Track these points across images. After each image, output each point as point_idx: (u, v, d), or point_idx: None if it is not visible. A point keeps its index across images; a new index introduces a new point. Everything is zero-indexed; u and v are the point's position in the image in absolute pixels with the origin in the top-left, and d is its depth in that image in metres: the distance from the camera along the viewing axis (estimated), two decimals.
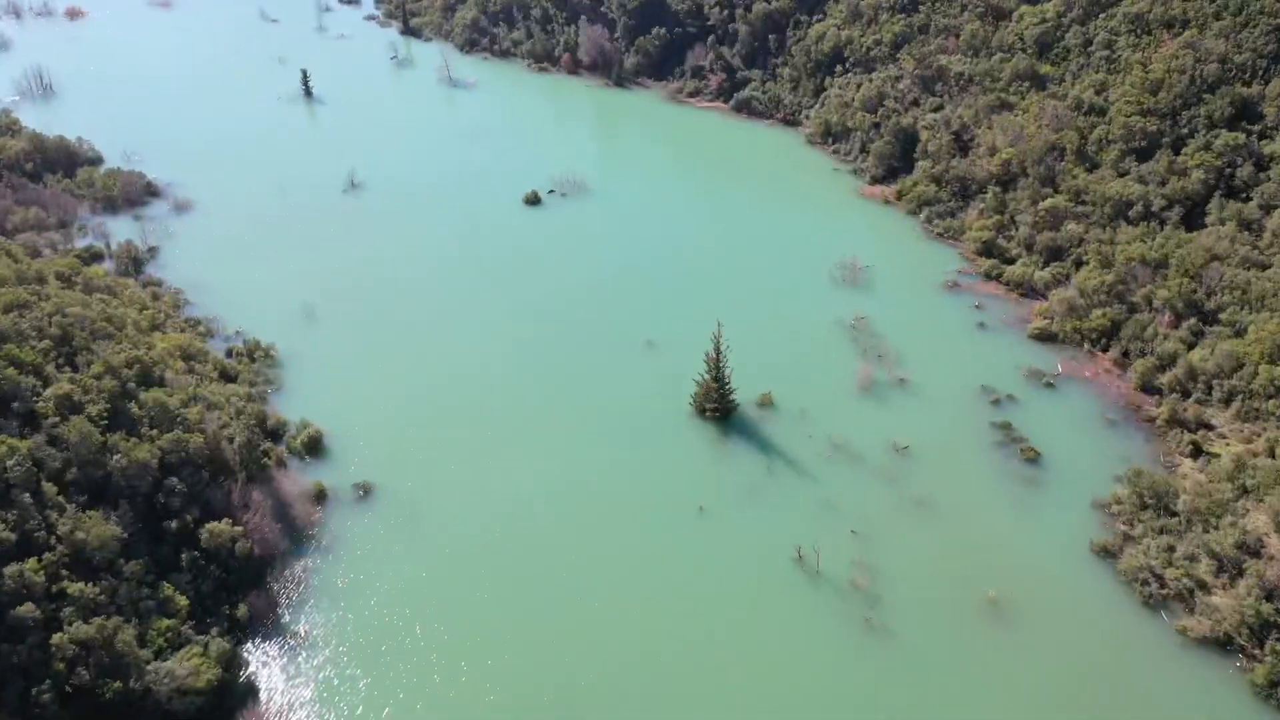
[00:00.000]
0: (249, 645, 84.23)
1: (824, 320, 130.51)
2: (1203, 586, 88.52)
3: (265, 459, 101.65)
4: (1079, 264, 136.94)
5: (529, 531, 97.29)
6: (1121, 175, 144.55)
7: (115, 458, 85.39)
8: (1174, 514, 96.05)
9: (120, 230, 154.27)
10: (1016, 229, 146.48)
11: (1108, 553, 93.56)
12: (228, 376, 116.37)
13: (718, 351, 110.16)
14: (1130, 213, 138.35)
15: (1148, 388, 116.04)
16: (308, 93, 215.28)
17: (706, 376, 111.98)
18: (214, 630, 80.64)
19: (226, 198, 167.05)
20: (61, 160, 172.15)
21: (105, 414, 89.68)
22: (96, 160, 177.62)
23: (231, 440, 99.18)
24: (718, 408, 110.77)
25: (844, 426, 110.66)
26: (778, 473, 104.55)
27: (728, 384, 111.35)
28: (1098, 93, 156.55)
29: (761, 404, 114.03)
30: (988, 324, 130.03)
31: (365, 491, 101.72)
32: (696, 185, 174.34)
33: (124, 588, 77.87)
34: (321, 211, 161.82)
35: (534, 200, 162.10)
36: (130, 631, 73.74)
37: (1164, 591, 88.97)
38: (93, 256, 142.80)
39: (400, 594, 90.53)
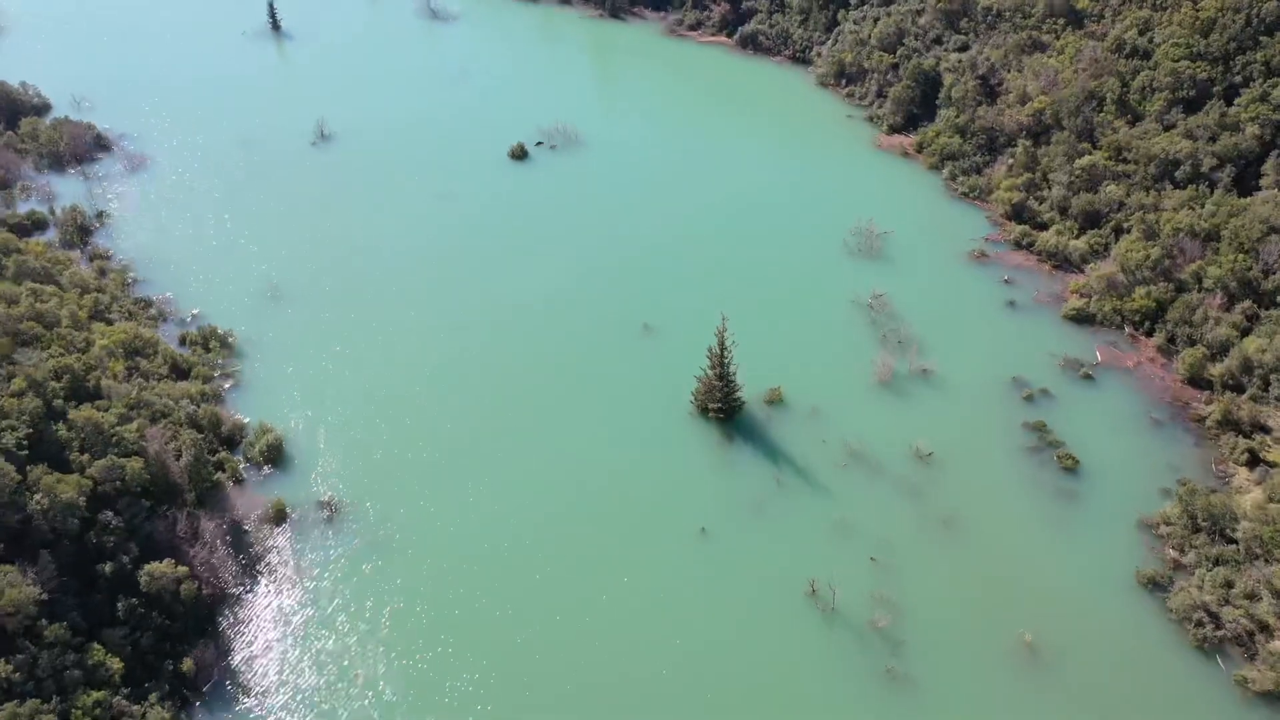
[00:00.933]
0: (196, 708, 75.22)
1: (839, 299, 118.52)
2: (1265, 630, 79.03)
3: (218, 474, 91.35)
4: (1119, 231, 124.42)
5: (512, 562, 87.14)
6: (1167, 129, 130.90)
7: (36, 498, 74.91)
8: (1231, 540, 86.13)
9: (67, 191, 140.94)
10: (1049, 189, 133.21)
11: (1156, 585, 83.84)
12: (180, 371, 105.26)
13: (722, 348, 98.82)
14: (1177, 173, 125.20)
15: (1197, 381, 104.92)
16: (275, 26, 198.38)
17: (709, 372, 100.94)
18: (153, 696, 71.18)
19: (184, 152, 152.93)
20: (3, 108, 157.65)
21: (25, 442, 78.86)
22: (43, 109, 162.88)
23: (179, 456, 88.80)
24: (722, 408, 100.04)
25: (861, 427, 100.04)
26: (788, 485, 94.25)
27: (733, 382, 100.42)
28: (1141, 33, 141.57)
29: (770, 401, 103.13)
30: (1018, 302, 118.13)
31: (331, 510, 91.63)
32: (697, 136, 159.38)
33: (45, 657, 68.20)
34: (288, 168, 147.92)
35: (520, 154, 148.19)
36: (49, 718, 64.29)
37: (1220, 634, 79.39)
38: (34, 225, 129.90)
39: (368, 634, 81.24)
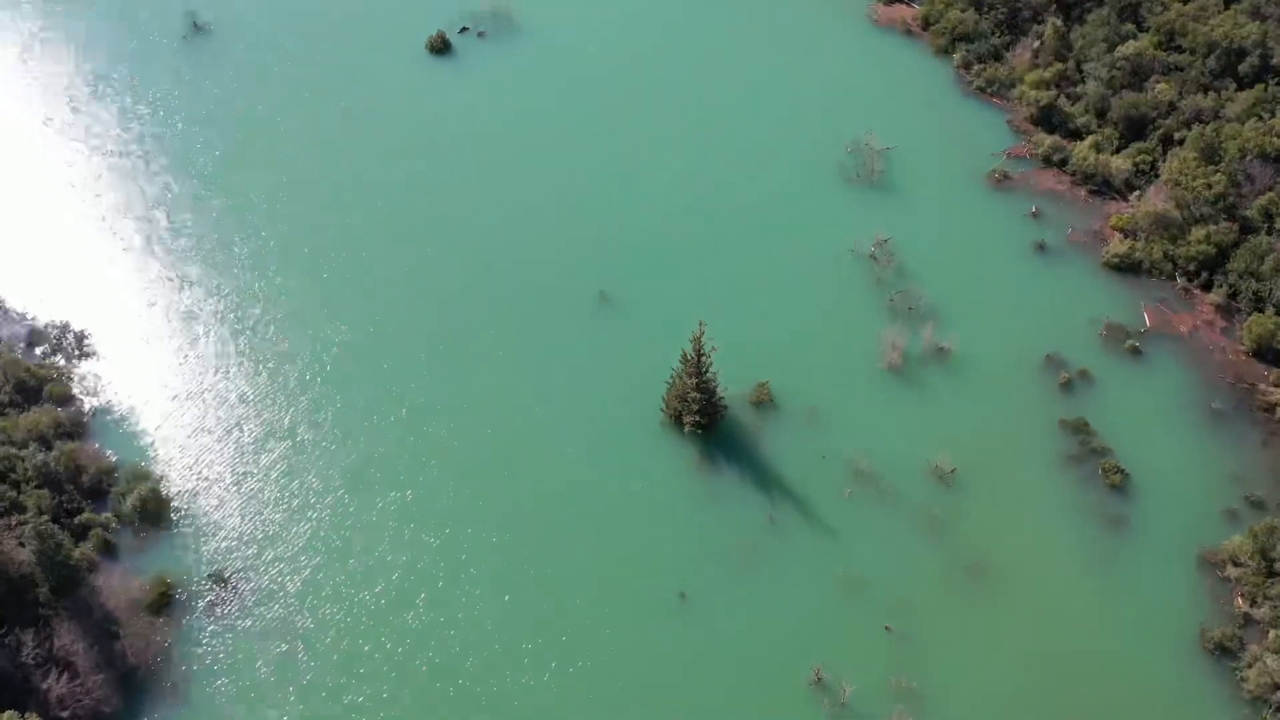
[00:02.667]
0: None
1: (835, 248, 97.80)
2: None
3: (80, 549, 73.21)
4: (1167, 142, 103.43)
5: (445, 652, 71.16)
6: (1230, 5, 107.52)
7: None
8: None
9: None
10: (1084, 84, 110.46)
11: (1225, 651, 70.59)
12: (28, 392, 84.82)
13: (699, 355, 79.73)
14: (1242, 66, 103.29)
15: (1264, 353, 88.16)
16: None
17: (684, 379, 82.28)
18: None
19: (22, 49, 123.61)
20: None
21: None
22: None
23: (24, 543, 70.48)
24: (700, 421, 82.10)
25: (868, 435, 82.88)
26: (784, 525, 77.84)
27: (714, 390, 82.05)
28: None
29: (757, 401, 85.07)
30: (1049, 244, 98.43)
31: (225, 587, 74.58)
32: (657, 12, 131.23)
33: None
34: (152, 73, 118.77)
35: (441, 47, 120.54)
36: None
37: None
38: None
39: None
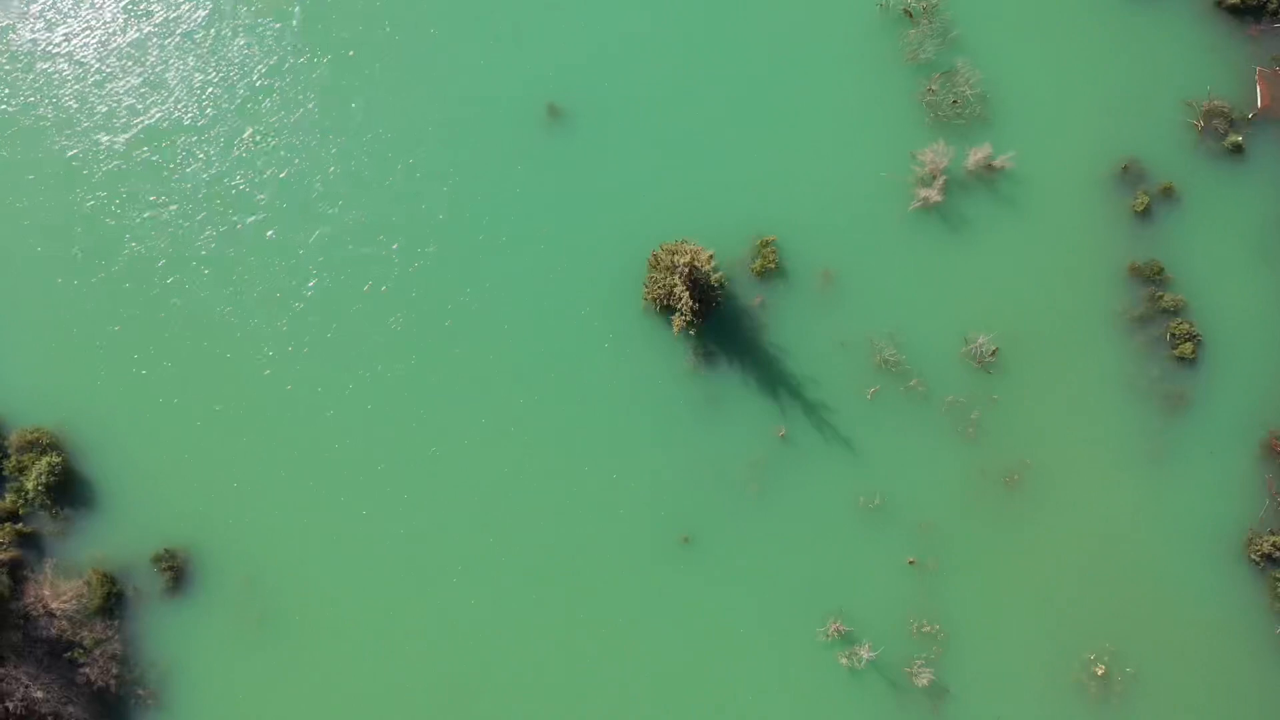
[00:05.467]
0: None
1: (855, 2, 71.95)
2: None
3: None
4: None
5: (426, 606, 65.31)
6: None
7: None
8: None
9: None
10: None
11: (1273, 561, 65.07)
12: None
13: (690, 270, 61.49)
14: None
15: None
16: None
17: (675, 281, 64.78)
18: None
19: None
20: None
21: None
22: None
23: None
24: (691, 321, 66.15)
25: (895, 308, 67.98)
26: (795, 439, 67.06)
27: (716, 293, 64.95)
28: None
29: (761, 269, 68.25)
30: None
31: (176, 569, 66.21)
32: None
33: None
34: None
35: None
36: None
37: None
38: None
39: None
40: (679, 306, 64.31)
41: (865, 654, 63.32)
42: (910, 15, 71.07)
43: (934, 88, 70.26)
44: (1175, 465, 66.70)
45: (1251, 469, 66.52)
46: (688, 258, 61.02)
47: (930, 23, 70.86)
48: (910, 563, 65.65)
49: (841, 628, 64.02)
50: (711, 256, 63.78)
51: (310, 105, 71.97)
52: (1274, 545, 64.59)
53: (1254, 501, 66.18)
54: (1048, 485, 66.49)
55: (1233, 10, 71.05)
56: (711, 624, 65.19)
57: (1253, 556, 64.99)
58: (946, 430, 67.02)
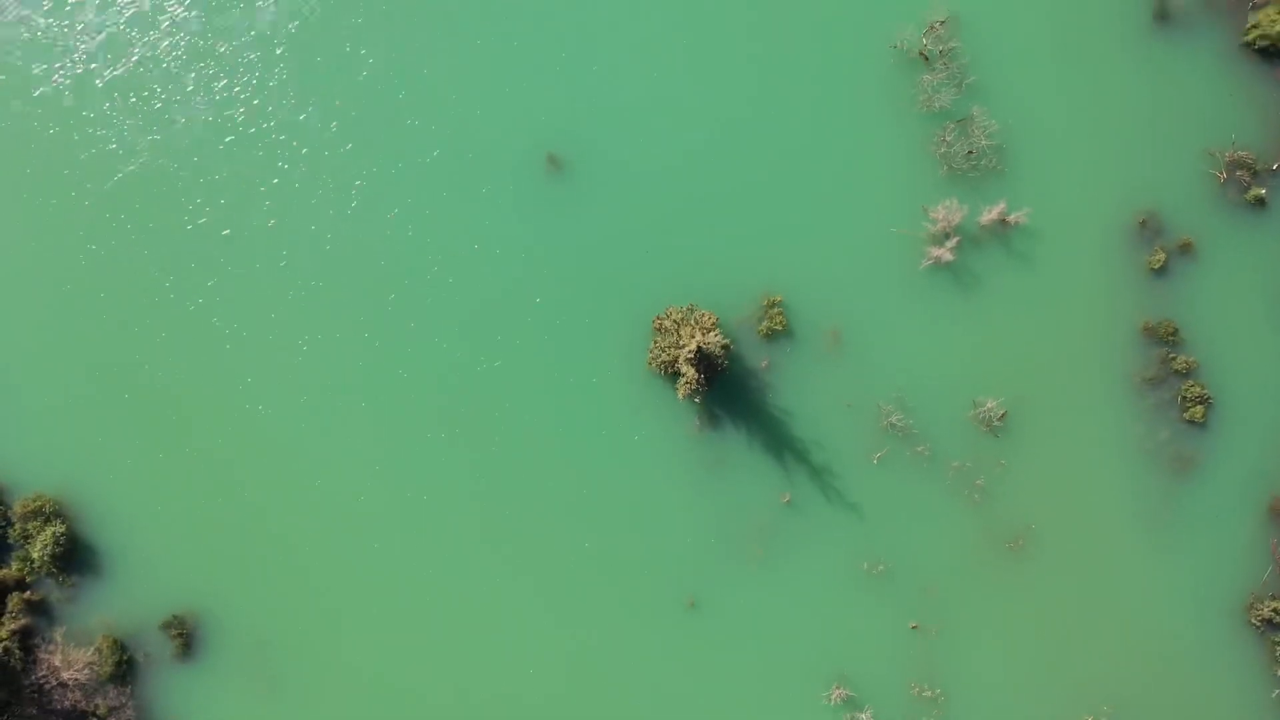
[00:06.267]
0: None
1: (868, 40, 68.01)
2: None
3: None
4: None
5: (437, 671, 66.12)
6: None
7: None
8: None
9: None
10: None
11: (1274, 626, 65.45)
12: None
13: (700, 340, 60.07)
14: None
15: None
16: None
17: (667, 345, 63.45)
18: None
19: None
20: None
21: None
22: None
23: None
24: (696, 389, 64.63)
25: (903, 369, 66.79)
26: (801, 503, 66.74)
27: (721, 361, 63.54)
28: None
29: (768, 331, 66.74)
30: (1174, 8, 67.92)
31: (186, 635, 66.62)
32: None
33: None
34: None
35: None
36: None
37: None
38: None
39: None
40: (684, 379, 63.25)
41: (867, 719, 64.45)
42: (925, 58, 67.93)
43: (948, 137, 67.57)
44: (1180, 528, 66.57)
45: (1256, 532, 66.40)
46: (694, 344, 59.71)
47: (946, 67, 67.74)
48: (913, 627, 66.25)
49: (845, 693, 64.98)
50: (719, 331, 62.49)
51: (303, 151, 69.53)
52: (1275, 610, 64.98)
53: (1257, 565, 66.30)
54: (1051, 549, 66.55)
55: (1262, 53, 67.87)
56: (716, 687, 66.13)
57: (1253, 621, 65.45)
58: (952, 495, 66.70)
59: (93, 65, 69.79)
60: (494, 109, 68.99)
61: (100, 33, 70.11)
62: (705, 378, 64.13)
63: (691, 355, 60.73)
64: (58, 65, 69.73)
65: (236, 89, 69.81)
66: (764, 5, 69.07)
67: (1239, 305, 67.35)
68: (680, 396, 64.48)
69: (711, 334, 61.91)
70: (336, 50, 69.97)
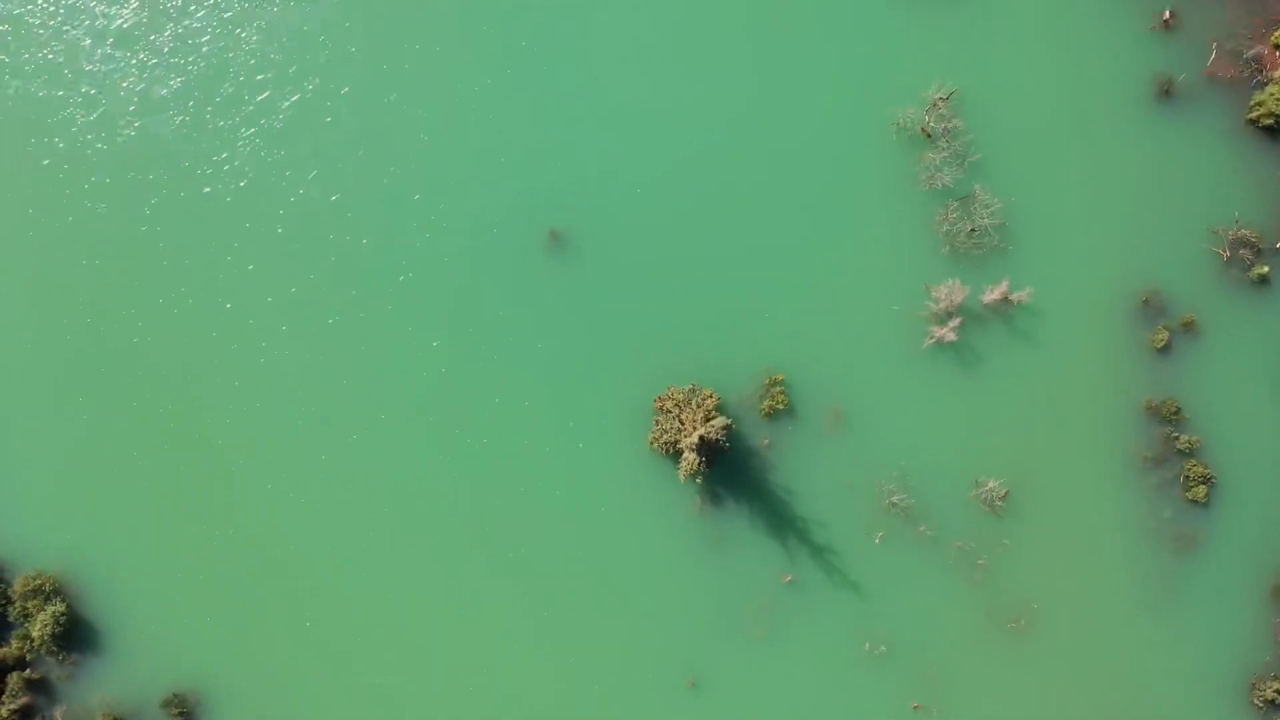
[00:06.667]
0: None
1: (870, 116, 68.00)
2: None
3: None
4: None
5: None
6: None
7: None
8: None
9: None
10: None
11: (1276, 707, 65.37)
12: None
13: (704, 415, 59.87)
14: None
15: None
16: None
17: (670, 424, 63.30)
18: None
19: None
20: None
21: None
22: None
23: None
24: (698, 471, 64.35)
25: (905, 449, 66.63)
26: (802, 582, 66.57)
27: (723, 443, 63.32)
28: None
29: (769, 410, 66.57)
30: (1179, 84, 67.79)
31: (186, 714, 66.14)
32: None
33: None
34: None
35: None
36: None
37: None
38: None
39: None
40: (685, 464, 63.07)
41: None
42: (928, 136, 67.75)
43: (951, 215, 67.44)
44: (1182, 608, 66.43)
45: (1259, 613, 66.29)
46: (695, 436, 59.60)
47: (949, 144, 67.58)
48: (916, 708, 66.12)
49: None
50: (721, 415, 62.42)
51: (305, 221, 69.38)
52: (1278, 691, 64.94)
53: (1259, 645, 66.17)
54: (1053, 628, 66.40)
55: (1266, 130, 67.65)
56: None
57: (1256, 702, 65.34)
58: (954, 575, 66.54)
59: None
60: (496, 184, 68.88)
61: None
62: (707, 459, 64.11)
63: (694, 443, 60.59)
64: None
65: (237, 162, 69.78)
66: (767, 84, 69.04)
67: (1243, 384, 67.26)
68: (682, 479, 64.41)
69: (714, 421, 61.79)
70: (338, 123, 69.97)
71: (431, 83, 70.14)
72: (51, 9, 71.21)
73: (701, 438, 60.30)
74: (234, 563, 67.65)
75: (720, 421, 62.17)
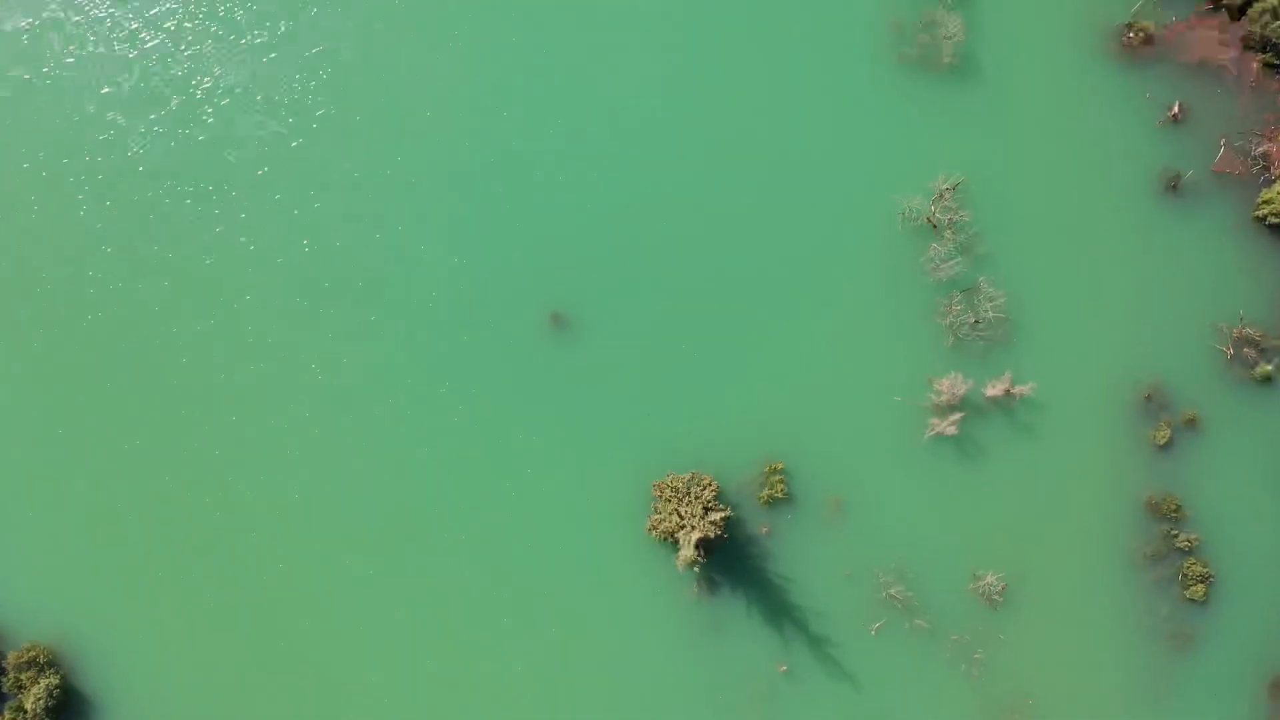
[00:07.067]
0: None
1: (874, 207, 67.98)
2: None
3: None
4: None
5: None
6: None
7: None
8: None
9: None
10: None
11: None
12: None
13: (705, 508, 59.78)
14: None
15: None
16: None
17: (670, 513, 63.17)
18: None
19: None
20: None
21: None
22: None
23: None
24: (697, 559, 64.25)
25: (904, 540, 66.42)
26: (800, 670, 66.26)
27: (721, 533, 63.19)
28: None
29: (768, 498, 66.45)
30: (1185, 179, 67.72)
31: None
32: None
33: None
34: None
35: None
36: None
37: None
38: None
39: None
40: (683, 555, 62.90)
41: None
42: (934, 227, 67.64)
43: (955, 307, 67.32)
44: (1178, 706, 66.25)
45: (1255, 711, 66.19)
46: (697, 534, 59.56)
47: (954, 236, 67.47)
48: None
49: None
50: (720, 507, 62.41)
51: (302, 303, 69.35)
52: None
53: None
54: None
55: (1273, 229, 67.51)
56: None
57: None
58: (950, 668, 66.29)
59: None
60: (500, 266, 68.76)
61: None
62: (704, 549, 63.95)
63: (694, 539, 60.51)
64: None
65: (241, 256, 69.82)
66: (774, 171, 68.98)
67: (1243, 483, 67.12)
68: (679, 567, 64.24)
69: (712, 516, 61.71)
70: (336, 203, 69.95)
71: (438, 160, 70.14)
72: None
73: (701, 536, 60.24)
74: (230, 637, 67.37)
75: (718, 515, 62.13)
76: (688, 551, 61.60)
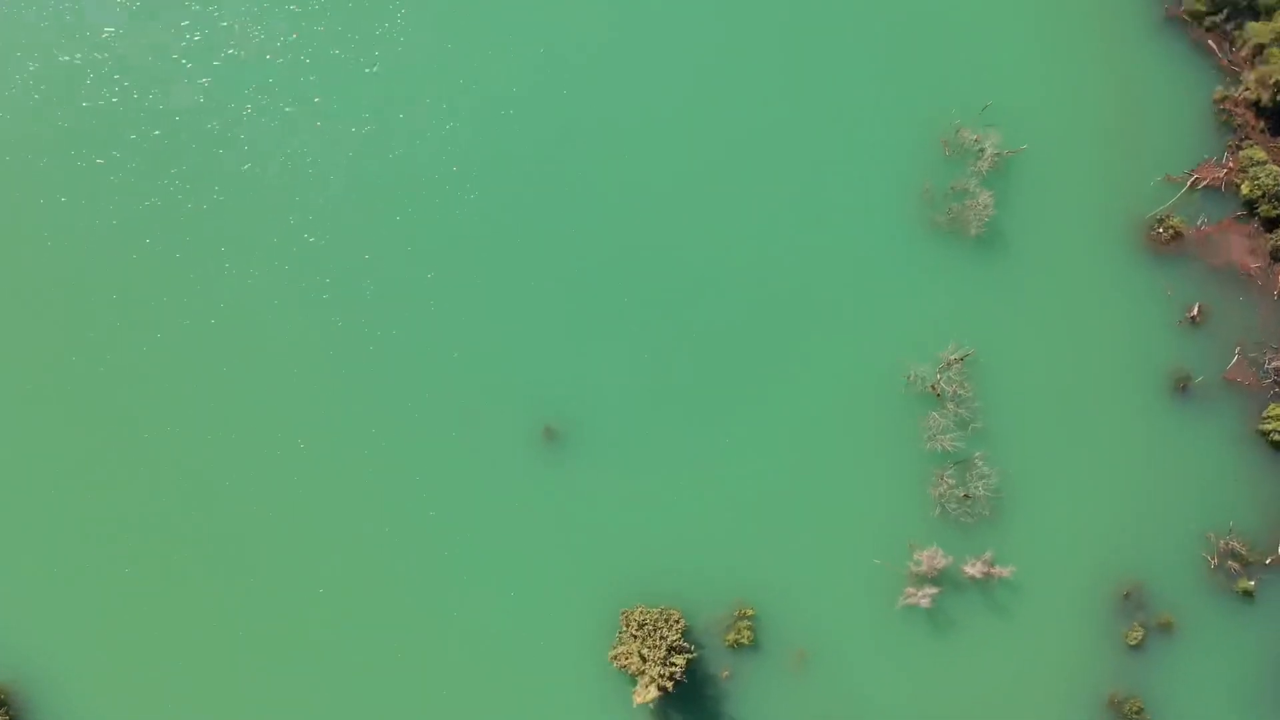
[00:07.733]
0: None
1: (882, 368, 67.61)
2: None
3: None
4: None
5: None
6: None
7: None
8: None
9: None
10: None
11: None
12: None
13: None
14: None
15: None
16: None
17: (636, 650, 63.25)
18: None
19: None
20: None
21: None
22: None
23: None
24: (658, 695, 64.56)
25: (865, 699, 65.61)
26: None
27: (681, 677, 63.17)
28: None
29: (734, 642, 66.16)
30: (1196, 383, 67.37)
31: None
32: None
33: None
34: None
35: None
36: None
37: None
38: None
39: None
40: (642, 695, 63.05)
41: None
42: (938, 396, 67.41)
43: (947, 479, 67.11)
44: None
45: None
46: (656, 685, 59.82)
47: (956, 408, 67.22)
48: None
49: None
50: (684, 655, 62.54)
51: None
52: None
53: None
54: None
55: (1275, 445, 67.03)
56: None
57: None
58: None
59: None
60: (494, 377, 68.87)
61: None
62: (663, 689, 64.06)
63: (656, 686, 60.69)
64: None
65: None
66: (787, 316, 68.86)
67: (1209, 693, 66.60)
68: (635, 703, 64.38)
69: (675, 659, 61.83)
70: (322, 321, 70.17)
71: (431, 270, 70.34)
72: None
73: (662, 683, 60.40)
74: (194, 679, 67.72)
75: (681, 660, 62.23)
76: (646, 695, 61.78)
